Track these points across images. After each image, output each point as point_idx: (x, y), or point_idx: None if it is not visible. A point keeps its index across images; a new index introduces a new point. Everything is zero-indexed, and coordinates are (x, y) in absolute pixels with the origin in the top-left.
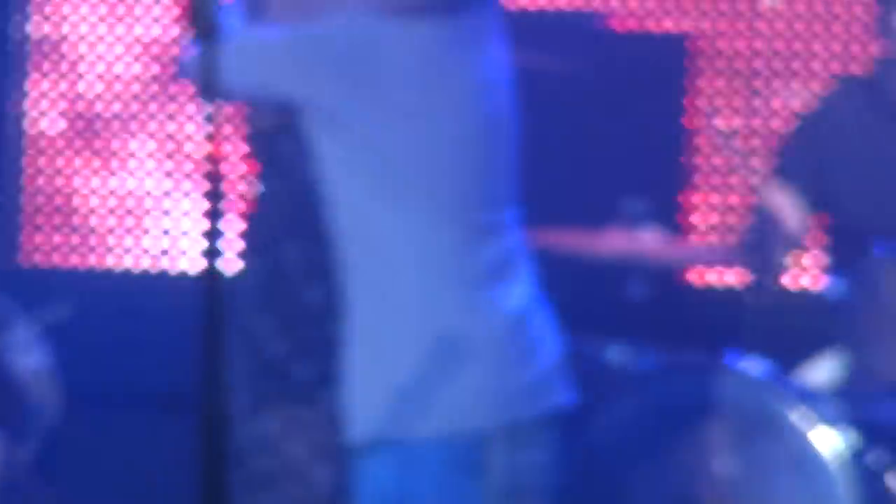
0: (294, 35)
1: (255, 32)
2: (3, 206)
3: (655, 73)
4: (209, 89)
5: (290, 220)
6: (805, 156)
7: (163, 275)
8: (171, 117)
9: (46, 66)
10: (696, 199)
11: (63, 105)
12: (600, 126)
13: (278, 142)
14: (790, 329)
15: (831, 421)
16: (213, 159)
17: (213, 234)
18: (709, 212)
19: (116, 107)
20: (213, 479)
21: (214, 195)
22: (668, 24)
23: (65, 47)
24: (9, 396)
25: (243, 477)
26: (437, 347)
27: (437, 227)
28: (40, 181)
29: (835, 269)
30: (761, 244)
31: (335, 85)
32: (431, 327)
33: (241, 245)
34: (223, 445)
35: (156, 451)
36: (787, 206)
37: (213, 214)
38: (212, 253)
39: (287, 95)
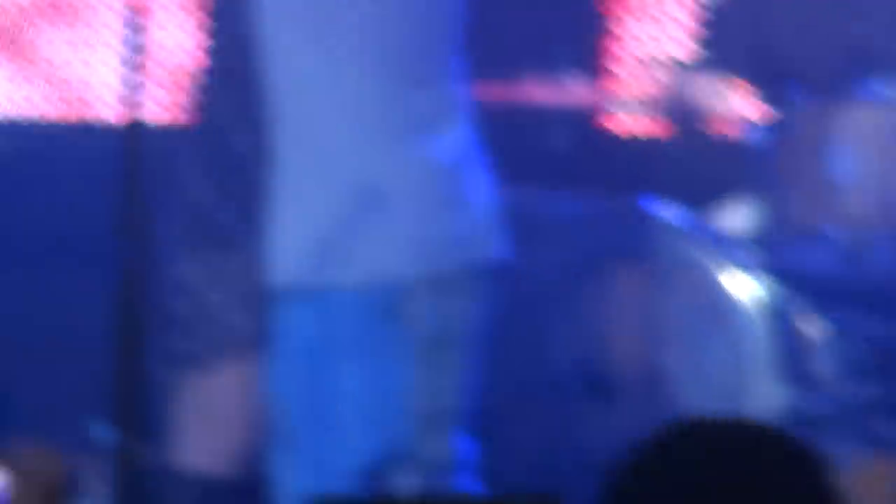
0: None
1: None
2: None
3: None
4: None
5: (221, 71)
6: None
7: (83, 124)
8: None
9: None
10: (616, 47)
11: None
12: None
13: None
14: (708, 176)
15: (746, 266)
16: (135, 8)
17: (132, 85)
18: (629, 60)
19: None
20: (129, 322)
21: (136, 45)
22: None
23: None
24: None
25: (163, 320)
26: (361, 197)
27: (366, 77)
28: None
29: (753, 116)
30: (681, 93)
31: None
32: (356, 177)
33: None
34: (140, 290)
35: (75, 299)
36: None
37: (133, 64)
38: (131, 102)
39: None
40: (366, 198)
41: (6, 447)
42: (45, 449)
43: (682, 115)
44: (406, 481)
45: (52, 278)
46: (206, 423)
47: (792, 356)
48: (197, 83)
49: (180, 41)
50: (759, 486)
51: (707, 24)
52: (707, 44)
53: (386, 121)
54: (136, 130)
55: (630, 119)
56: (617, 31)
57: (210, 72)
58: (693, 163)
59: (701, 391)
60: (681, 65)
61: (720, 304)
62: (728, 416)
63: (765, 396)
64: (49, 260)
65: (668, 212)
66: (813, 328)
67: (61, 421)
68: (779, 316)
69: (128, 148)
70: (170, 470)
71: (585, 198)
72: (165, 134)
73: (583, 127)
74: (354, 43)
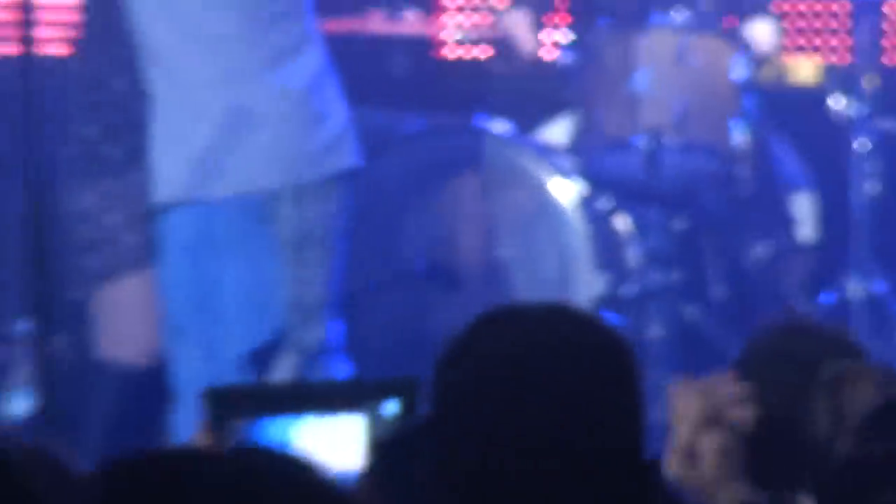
0: None
1: None
2: None
3: None
4: None
5: (98, 18)
6: None
7: None
8: None
9: None
10: None
11: None
12: None
13: None
14: (529, 94)
15: (565, 172)
16: None
17: (27, 22)
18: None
19: None
20: (37, 243)
21: None
22: None
23: None
24: None
25: (68, 243)
26: (229, 120)
27: (229, 18)
28: None
29: (567, 40)
30: (508, 21)
31: None
32: (224, 103)
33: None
34: (42, 211)
35: None
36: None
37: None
38: (26, 40)
39: None
40: (234, 121)
41: None
42: None
43: (505, 44)
44: (285, 367)
45: None
46: (115, 323)
47: (606, 248)
48: (79, 27)
49: None
50: (566, 368)
51: None
52: None
53: (249, 54)
54: (28, 66)
55: (462, 48)
56: None
57: (89, 19)
58: (517, 84)
59: (531, 281)
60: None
61: (545, 205)
62: (551, 303)
63: (585, 284)
64: None
65: (499, 127)
66: (622, 224)
67: None
68: (594, 214)
69: (24, 83)
70: (85, 361)
71: (428, 116)
72: (55, 70)
73: (420, 55)
74: None
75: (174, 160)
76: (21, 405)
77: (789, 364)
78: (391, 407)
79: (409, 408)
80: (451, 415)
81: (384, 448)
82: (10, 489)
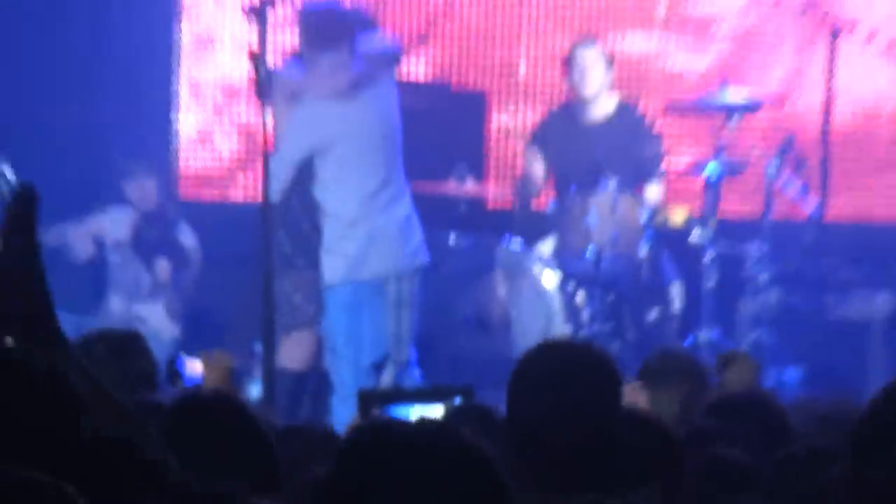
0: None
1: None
2: None
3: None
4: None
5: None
6: (543, 141)
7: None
8: None
9: None
10: (492, 166)
11: None
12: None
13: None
14: (531, 227)
15: (551, 267)
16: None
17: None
18: (502, 175)
19: None
20: (267, 304)
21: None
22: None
23: None
24: None
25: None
26: (367, 237)
27: (377, 174)
28: None
29: (552, 198)
30: (524, 184)
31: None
32: (365, 228)
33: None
34: (269, 291)
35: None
36: (537, 163)
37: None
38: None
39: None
40: (369, 238)
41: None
42: (222, 353)
43: (525, 195)
44: (388, 374)
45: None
46: (298, 352)
47: (570, 311)
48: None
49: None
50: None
51: None
52: None
53: (380, 197)
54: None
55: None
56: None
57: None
58: (525, 221)
59: (530, 329)
60: None
61: (538, 288)
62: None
63: (558, 331)
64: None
65: (515, 243)
66: (580, 297)
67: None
68: (564, 292)
69: (263, 218)
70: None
71: (476, 236)
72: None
73: (475, 203)
74: (361, 166)
75: (335, 262)
76: (255, 392)
77: (666, 376)
78: (457, 400)
79: (468, 401)
80: None
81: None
82: (239, 423)
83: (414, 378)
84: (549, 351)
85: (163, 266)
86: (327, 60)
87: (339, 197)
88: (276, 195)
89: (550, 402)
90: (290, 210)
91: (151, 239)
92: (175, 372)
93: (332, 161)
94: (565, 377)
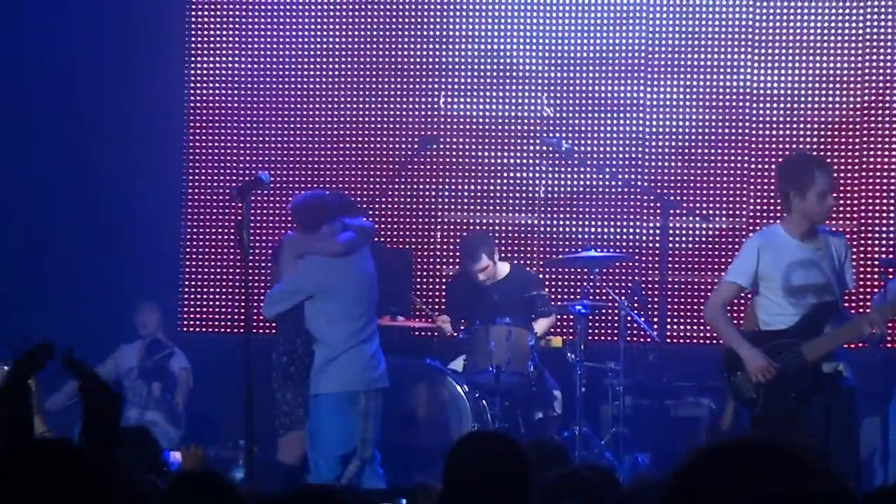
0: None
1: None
2: None
3: None
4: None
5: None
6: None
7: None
8: None
9: None
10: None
11: None
12: None
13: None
14: (450, 350)
15: (460, 382)
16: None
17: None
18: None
19: None
20: (248, 409)
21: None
22: None
23: None
24: None
25: (279, 413)
26: (350, 360)
27: (353, 320)
28: None
29: (461, 330)
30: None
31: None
32: (350, 355)
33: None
34: (258, 396)
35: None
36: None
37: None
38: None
39: (296, 300)
40: (352, 359)
41: (183, 445)
42: (195, 447)
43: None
44: (354, 466)
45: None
46: (289, 445)
47: (476, 413)
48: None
49: None
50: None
51: None
52: None
53: (361, 333)
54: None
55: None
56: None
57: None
58: (445, 348)
59: (445, 428)
60: None
61: (454, 395)
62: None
63: (468, 428)
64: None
65: (433, 363)
66: (483, 403)
67: (222, 435)
68: (472, 400)
69: (246, 345)
70: (271, 462)
71: (409, 360)
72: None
73: (406, 333)
74: (350, 309)
75: (322, 378)
76: (239, 475)
77: (538, 462)
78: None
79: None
80: None
81: None
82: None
83: (378, 474)
84: (477, 437)
85: (156, 388)
86: (327, 229)
87: (330, 330)
88: (272, 316)
89: (480, 473)
90: (287, 333)
91: (149, 367)
92: (163, 461)
93: (328, 303)
94: (489, 455)
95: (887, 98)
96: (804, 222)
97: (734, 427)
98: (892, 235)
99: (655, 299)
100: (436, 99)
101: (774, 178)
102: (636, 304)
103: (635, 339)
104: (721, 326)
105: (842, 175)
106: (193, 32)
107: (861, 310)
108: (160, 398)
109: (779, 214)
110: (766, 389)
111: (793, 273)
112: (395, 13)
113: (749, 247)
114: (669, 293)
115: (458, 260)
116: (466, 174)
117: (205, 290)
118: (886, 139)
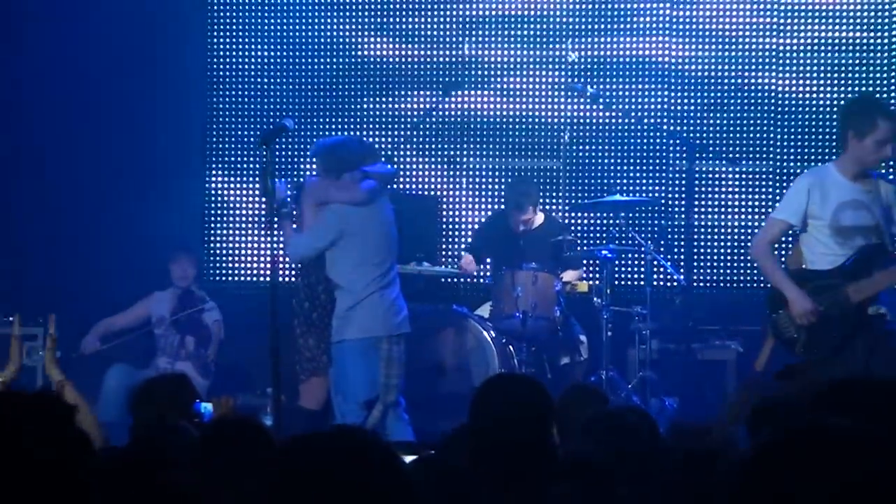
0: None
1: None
2: None
3: None
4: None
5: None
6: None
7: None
8: None
9: None
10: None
11: None
12: None
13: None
14: (460, 298)
15: (487, 328)
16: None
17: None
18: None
19: None
20: (275, 357)
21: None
22: None
23: None
24: None
25: (302, 359)
26: (371, 306)
27: (374, 266)
28: None
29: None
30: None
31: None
32: (371, 301)
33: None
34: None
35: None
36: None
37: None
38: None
39: (319, 247)
40: (374, 304)
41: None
42: (226, 397)
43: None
44: (378, 411)
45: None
46: (311, 390)
47: (503, 358)
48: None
49: None
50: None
51: None
52: None
53: (381, 279)
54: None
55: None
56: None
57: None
58: (474, 293)
59: (475, 371)
60: None
61: (480, 340)
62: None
63: (494, 372)
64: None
65: (461, 309)
66: (510, 349)
67: (250, 383)
68: (498, 344)
69: (272, 295)
70: (294, 408)
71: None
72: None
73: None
74: (370, 255)
75: (344, 324)
76: (268, 422)
77: (578, 403)
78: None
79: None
80: None
81: None
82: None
83: (403, 419)
84: (503, 378)
85: (189, 341)
86: (349, 177)
87: (351, 277)
88: (297, 264)
89: (505, 412)
90: (309, 280)
91: (182, 320)
92: (195, 412)
93: (350, 249)
94: (514, 395)
95: None
96: (857, 165)
97: (765, 374)
98: None
99: (682, 243)
100: (461, 45)
101: (837, 116)
102: (662, 248)
103: (661, 282)
104: (767, 265)
105: None
106: None
107: None
108: (193, 352)
109: (805, 157)
110: (808, 329)
111: (842, 213)
112: None
113: (799, 184)
114: (695, 237)
115: (483, 206)
116: (491, 120)
117: (231, 239)
118: None
